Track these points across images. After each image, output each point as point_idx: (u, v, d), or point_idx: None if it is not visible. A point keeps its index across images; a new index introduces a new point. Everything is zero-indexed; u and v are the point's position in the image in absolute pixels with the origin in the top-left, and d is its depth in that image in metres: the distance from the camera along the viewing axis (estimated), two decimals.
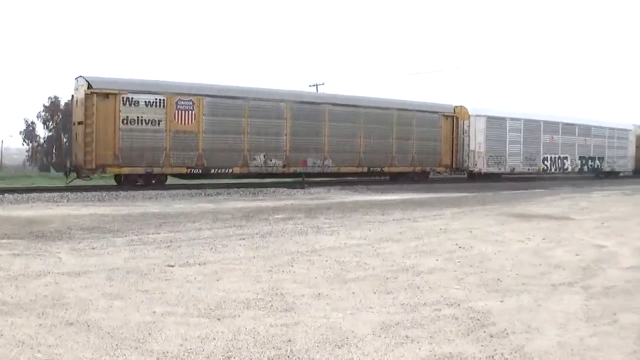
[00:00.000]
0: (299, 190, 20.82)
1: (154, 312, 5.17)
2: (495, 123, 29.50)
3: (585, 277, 6.92)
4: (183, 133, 20.88)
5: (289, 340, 4.47)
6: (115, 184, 21.42)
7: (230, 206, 14.90)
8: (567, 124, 33.14)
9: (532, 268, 7.46)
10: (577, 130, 33.56)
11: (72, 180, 20.88)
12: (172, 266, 7.13)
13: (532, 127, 31.09)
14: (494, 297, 5.97)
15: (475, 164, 28.74)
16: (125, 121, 19.85)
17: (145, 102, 20.18)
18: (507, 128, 29.97)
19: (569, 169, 33.39)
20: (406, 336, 4.66)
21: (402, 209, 14.64)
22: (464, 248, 8.85)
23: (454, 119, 28.39)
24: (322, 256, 7.98)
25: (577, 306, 5.64)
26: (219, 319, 4.99)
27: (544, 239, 9.82)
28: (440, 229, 10.83)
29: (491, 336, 4.69)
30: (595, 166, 34.95)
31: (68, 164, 21.06)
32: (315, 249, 8.59)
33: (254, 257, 7.81)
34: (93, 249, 8.33)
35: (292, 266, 7.29)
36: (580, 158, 33.82)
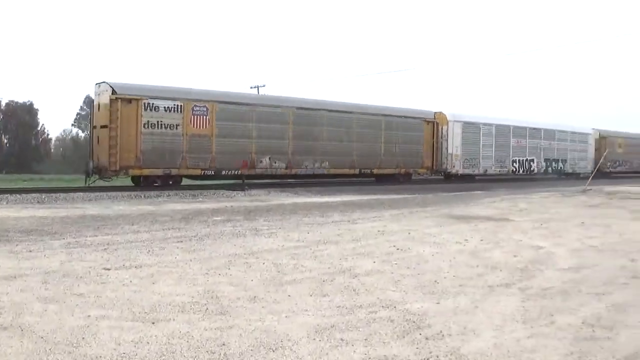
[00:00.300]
0: (239, 192, 20.83)
1: (89, 315, 5.12)
2: (470, 128, 32.22)
3: (522, 278, 7.09)
4: (198, 137, 22.45)
5: (223, 344, 4.49)
6: (133, 184, 22.48)
7: (169, 208, 14.76)
8: (534, 128, 36.35)
9: (469, 269, 7.60)
10: (542, 135, 36.88)
11: (94, 182, 21.85)
12: (108, 269, 7.04)
13: (502, 132, 34.12)
14: (430, 299, 6.06)
15: (453, 166, 31.41)
16: (146, 125, 21.15)
17: (165, 107, 21.58)
18: (481, 133, 32.80)
19: (535, 170, 36.42)
20: (341, 339, 4.69)
21: (341, 210, 14.75)
22: (401, 250, 8.94)
23: (435, 124, 30.90)
24: (260, 259, 7.98)
25: (514, 307, 5.76)
26: (153, 323, 4.96)
27: (482, 240, 10.01)
28: (379, 231, 10.93)
29: (427, 338, 4.75)
30: (559, 168, 38.39)
31: (91, 165, 21.66)
32: (253, 251, 8.58)
33: (191, 260, 7.76)
34: (30, 251, 8.16)
35: (229, 269, 7.27)
36: (545, 160, 37.13)
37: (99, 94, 21.58)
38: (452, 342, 4.68)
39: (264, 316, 5.28)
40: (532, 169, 36.05)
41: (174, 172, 22.02)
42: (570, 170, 39.13)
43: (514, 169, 34.85)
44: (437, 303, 5.90)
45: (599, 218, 13.34)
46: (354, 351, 4.44)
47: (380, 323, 5.15)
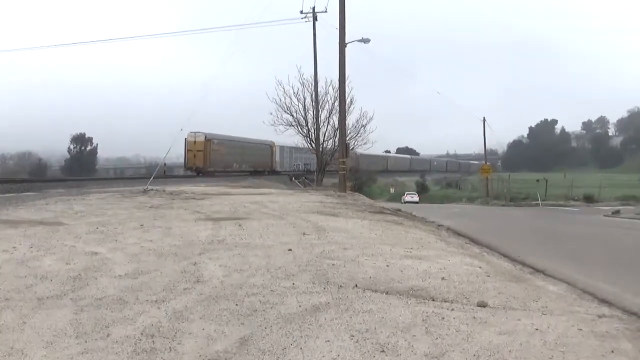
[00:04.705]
0: None
1: None
2: (283, 149, 70.20)
3: (75, 288, 7.07)
4: (222, 154, 57.94)
5: None
6: (195, 174, 53.65)
7: None
8: (300, 148, 64.39)
9: (17, 280, 7.33)
10: (304, 151, 69.33)
11: (197, 175, 52.66)
12: None
13: (291, 151, 71.71)
14: None
15: (276, 167, 68.77)
16: (213, 150, 55.83)
17: (215, 142, 56.66)
18: (284, 150, 71.07)
19: (302, 169, 73.20)
20: None
21: None
22: None
23: (272, 146, 67.72)
24: None
25: (66, 321, 5.75)
26: None
27: (32, 247, 9.70)
28: None
29: None
30: (308, 168, 72.78)
31: (194, 167, 54.50)
32: None
33: None
34: None
35: None
36: (304, 164, 74.45)
37: (195, 137, 53.87)
38: None
39: None
40: (301, 168, 73.55)
41: (216, 169, 55.48)
42: (311, 169, 70.07)
43: (296, 168, 73.62)
44: None
45: (159, 220, 13.95)
46: None
47: None
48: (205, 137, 55.44)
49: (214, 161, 56.90)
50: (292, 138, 47.56)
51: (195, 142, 55.17)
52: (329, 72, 61.57)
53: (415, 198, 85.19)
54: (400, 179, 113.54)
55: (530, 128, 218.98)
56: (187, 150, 56.09)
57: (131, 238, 11.12)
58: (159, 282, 7.62)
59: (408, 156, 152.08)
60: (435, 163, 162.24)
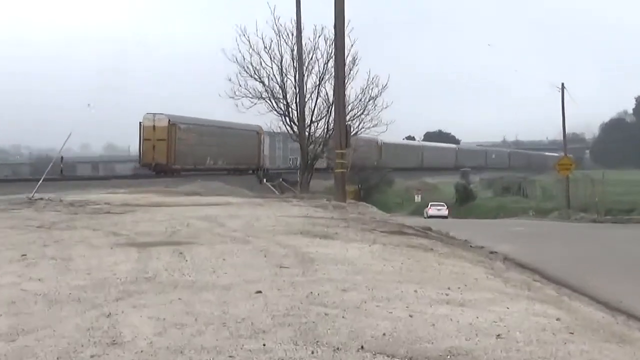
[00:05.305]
0: None
1: None
2: (273, 138, 71.31)
3: None
4: (192, 145, 63.36)
5: None
6: (154, 173, 60.54)
7: None
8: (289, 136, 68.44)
9: None
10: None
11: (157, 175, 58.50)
12: None
13: (284, 141, 72.85)
14: None
15: (265, 163, 73.78)
16: (179, 139, 60.94)
17: (183, 127, 62.31)
18: (276, 141, 74.35)
19: (299, 165, 67.26)
20: None
21: None
22: None
23: (260, 134, 71.41)
24: None
25: None
26: None
27: None
28: None
29: None
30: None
31: (153, 164, 59.66)
32: None
33: None
34: None
35: None
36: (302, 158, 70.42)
37: (154, 120, 59.11)
38: None
39: None
40: (298, 164, 68.90)
41: (184, 166, 62.11)
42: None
43: (292, 164, 76.02)
44: None
45: (53, 246, 13.93)
46: None
47: None
48: (169, 120, 59.25)
49: (180, 154, 59.77)
50: (263, 118, 45.59)
51: (154, 127, 58.48)
52: (318, 18, 47.17)
53: (444, 211, 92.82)
54: (432, 180, 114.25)
55: (638, 99, 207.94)
56: (144, 140, 59.70)
57: (6, 276, 11.02)
58: (52, 345, 7.38)
59: (454, 146, 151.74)
60: (493, 156, 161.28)
